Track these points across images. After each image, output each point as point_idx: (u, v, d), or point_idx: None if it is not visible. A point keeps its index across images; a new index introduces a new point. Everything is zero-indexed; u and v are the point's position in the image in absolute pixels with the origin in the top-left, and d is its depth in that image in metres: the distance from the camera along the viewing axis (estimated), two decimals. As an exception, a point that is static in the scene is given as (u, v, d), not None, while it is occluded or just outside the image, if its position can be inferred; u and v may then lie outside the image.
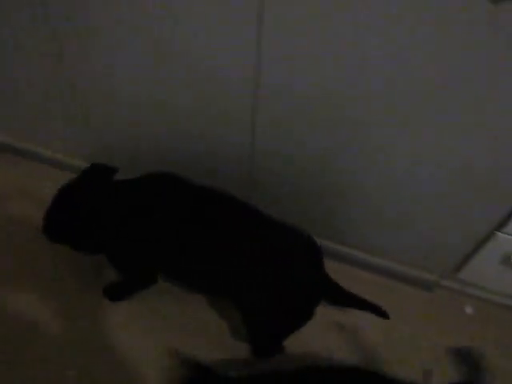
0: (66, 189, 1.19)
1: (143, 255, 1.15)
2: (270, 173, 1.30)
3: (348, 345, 1.35)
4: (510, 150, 0.97)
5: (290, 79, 1.03)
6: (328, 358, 1.30)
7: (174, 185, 1.17)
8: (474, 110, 0.93)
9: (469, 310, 1.44)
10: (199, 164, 1.38)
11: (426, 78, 0.91)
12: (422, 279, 1.43)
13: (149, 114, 1.32)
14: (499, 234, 1.16)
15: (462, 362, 1.31)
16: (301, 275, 1.07)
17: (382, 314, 1.17)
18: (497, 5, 0.76)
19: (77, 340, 1.31)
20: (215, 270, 1.08)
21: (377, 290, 1.37)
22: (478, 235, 1.21)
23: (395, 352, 1.33)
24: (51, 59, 1.28)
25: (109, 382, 1.23)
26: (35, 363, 1.26)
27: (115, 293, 1.38)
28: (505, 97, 0.88)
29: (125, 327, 1.33)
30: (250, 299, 1.10)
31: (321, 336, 1.34)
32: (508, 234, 1.15)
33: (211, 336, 1.33)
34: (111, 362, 1.27)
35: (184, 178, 1.19)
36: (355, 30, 0.88)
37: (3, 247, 1.51)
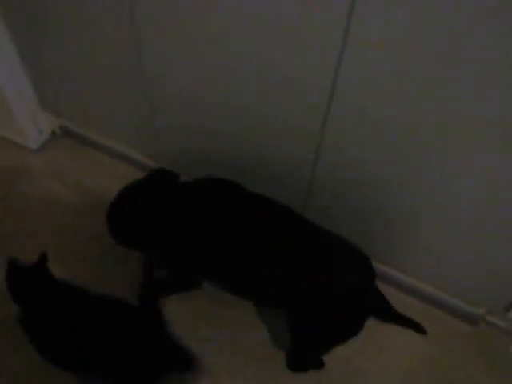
0: (129, 190, 1.22)
1: (194, 261, 1.18)
2: (328, 192, 1.32)
3: (383, 366, 1.34)
4: None
5: (364, 101, 1.03)
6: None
7: (231, 191, 1.20)
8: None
9: None
10: (257, 173, 1.40)
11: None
12: (468, 312, 1.41)
13: (215, 120, 1.35)
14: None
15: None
16: (353, 286, 1.07)
17: (421, 330, 1.23)
18: None
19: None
20: (269, 280, 1.09)
21: (420, 317, 1.37)
22: None
23: (429, 381, 1.32)
24: (131, 58, 1.32)
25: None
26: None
27: (157, 290, 1.41)
28: None
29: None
30: (302, 309, 1.11)
31: (358, 353, 1.34)
32: None
33: (246, 344, 1.35)
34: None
35: (240, 184, 1.21)
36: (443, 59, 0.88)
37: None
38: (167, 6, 1.11)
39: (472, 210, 1.12)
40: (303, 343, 1.21)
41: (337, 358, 1.29)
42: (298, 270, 1.06)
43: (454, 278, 1.34)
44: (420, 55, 0.89)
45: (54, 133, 1.85)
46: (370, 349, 1.36)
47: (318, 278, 1.06)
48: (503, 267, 1.21)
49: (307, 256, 1.08)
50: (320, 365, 1.28)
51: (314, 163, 1.25)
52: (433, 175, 1.09)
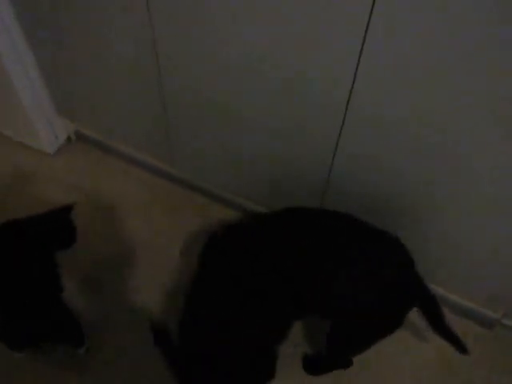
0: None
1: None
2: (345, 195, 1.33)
3: (397, 366, 1.35)
4: None
5: (381, 109, 1.05)
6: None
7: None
8: None
9: None
10: (273, 173, 1.41)
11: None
12: (484, 316, 1.40)
13: (228, 131, 1.37)
14: None
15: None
16: (390, 279, 1.06)
17: (462, 348, 1.15)
18: None
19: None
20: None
21: None
22: None
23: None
24: (147, 60, 1.34)
25: None
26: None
27: None
28: None
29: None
30: (344, 301, 1.08)
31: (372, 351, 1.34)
32: None
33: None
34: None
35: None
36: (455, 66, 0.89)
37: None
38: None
39: (493, 204, 1.11)
40: (341, 348, 1.19)
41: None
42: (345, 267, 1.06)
43: (472, 282, 1.34)
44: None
45: (69, 138, 1.87)
46: (386, 348, 1.35)
47: (361, 268, 1.04)
48: None
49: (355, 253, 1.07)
50: (349, 364, 1.28)
51: (331, 164, 1.26)
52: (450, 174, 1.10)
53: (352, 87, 1.03)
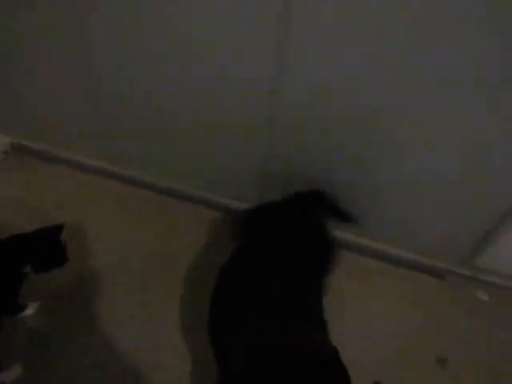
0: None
1: None
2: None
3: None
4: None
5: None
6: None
7: None
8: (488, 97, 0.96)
9: (481, 295, 1.45)
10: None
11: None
12: (435, 267, 1.45)
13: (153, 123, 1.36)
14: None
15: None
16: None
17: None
18: None
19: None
20: None
21: (389, 279, 1.40)
22: (491, 222, 1.23)
23: (408, 339, 1.35)
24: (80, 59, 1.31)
25: None
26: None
27: None
28: None
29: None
30: None
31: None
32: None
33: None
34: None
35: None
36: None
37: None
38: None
39: (423, 166, 1.16)
40: None
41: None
42: None
43: (417, 236, 1.38)
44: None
45: (6, 152, 1.81)
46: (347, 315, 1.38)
47: None
48: (460, 218, 1.26)
49: None
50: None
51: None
52: (382, 135, 1.13)
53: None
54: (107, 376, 1.18)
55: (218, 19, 1.04)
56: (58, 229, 1.23)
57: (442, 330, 1.37)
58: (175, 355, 1.22)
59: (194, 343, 1.25)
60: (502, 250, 1.27)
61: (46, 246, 1.21)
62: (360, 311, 1.38)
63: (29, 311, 1.28)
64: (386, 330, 1.35)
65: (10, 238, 1.17)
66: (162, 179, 1.62)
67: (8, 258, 1.16)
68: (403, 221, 1.35)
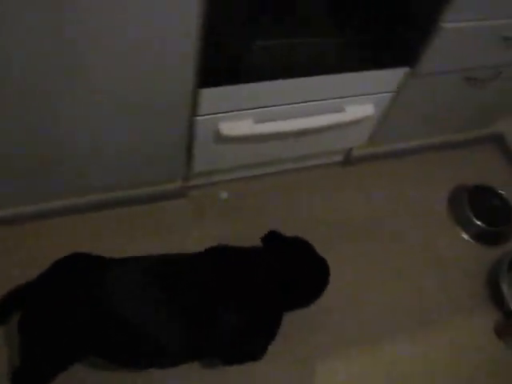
0: None
1: None
2: None
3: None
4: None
5: None
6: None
7: None
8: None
9: (223, 195, 1.47)
10: None
11: None
12: (165, 191, 1.39)
13: None
14: (197, 118, 1.17)
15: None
16: None
17: None
18: None
19: None
20: None
21: (114, 221, 1.34)
22: (181, 132, 1.16)
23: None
24: None
25: None
26: None
27: None
28: None
29: None
30: None
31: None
32: (201, 115, 1.14)
33: None
34: None
35: None
36: None
37: None
38: None
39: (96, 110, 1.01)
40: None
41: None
42: None
43: (128, 174, 1.26)
44: None
45: None
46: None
47: None
48: (154, 143, 1.17)
49: None
50: None
51: None
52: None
53: None
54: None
55: None
56: None
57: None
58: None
59: None
60: (207, 149, 1.28)
61: None
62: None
63: None
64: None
65: None
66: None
67: None
68: (107, 165, 1.21)
